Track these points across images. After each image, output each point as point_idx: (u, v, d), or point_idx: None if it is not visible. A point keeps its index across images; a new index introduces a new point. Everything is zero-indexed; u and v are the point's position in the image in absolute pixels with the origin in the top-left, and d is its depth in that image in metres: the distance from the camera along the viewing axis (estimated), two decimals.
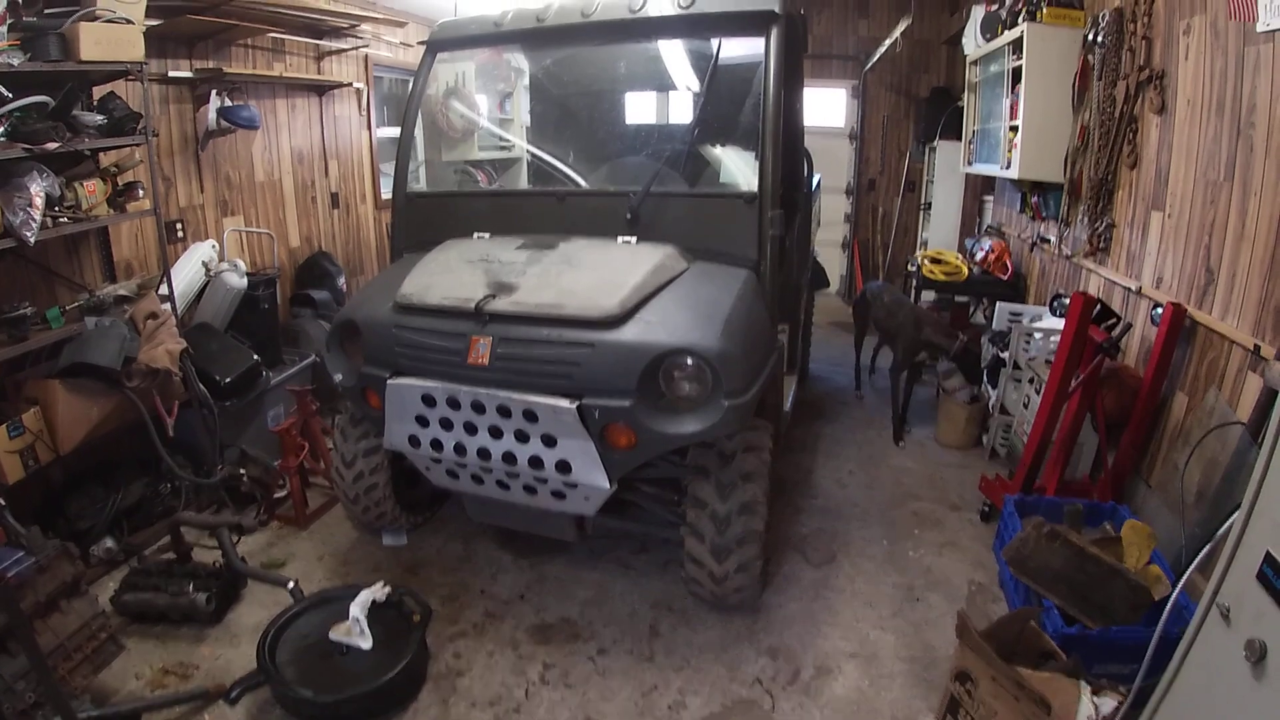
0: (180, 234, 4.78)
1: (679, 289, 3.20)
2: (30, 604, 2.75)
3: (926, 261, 6.47)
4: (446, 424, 3.23)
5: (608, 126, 4.81)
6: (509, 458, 3.15)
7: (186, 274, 4.61)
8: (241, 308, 4.87)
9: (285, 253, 5.70)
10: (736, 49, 3.77)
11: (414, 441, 3.35)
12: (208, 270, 4.75)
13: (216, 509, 4.42)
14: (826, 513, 4.54)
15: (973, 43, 6.62)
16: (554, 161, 4.28)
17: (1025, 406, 4.66)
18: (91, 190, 3.84)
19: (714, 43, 3.77)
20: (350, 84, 6.09)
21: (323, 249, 6.07)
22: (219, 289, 4.72)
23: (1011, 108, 5.61)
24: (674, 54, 4.28)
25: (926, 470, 5.09)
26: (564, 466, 3.08)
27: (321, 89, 5.87)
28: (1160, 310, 3.82)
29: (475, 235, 3.85)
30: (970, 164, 6.89)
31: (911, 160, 8.96)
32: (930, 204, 8.53)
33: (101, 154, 4.08)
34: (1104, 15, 4.66)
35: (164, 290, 4.28)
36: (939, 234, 8.28)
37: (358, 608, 3.21)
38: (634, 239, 3.51)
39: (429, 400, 3.19)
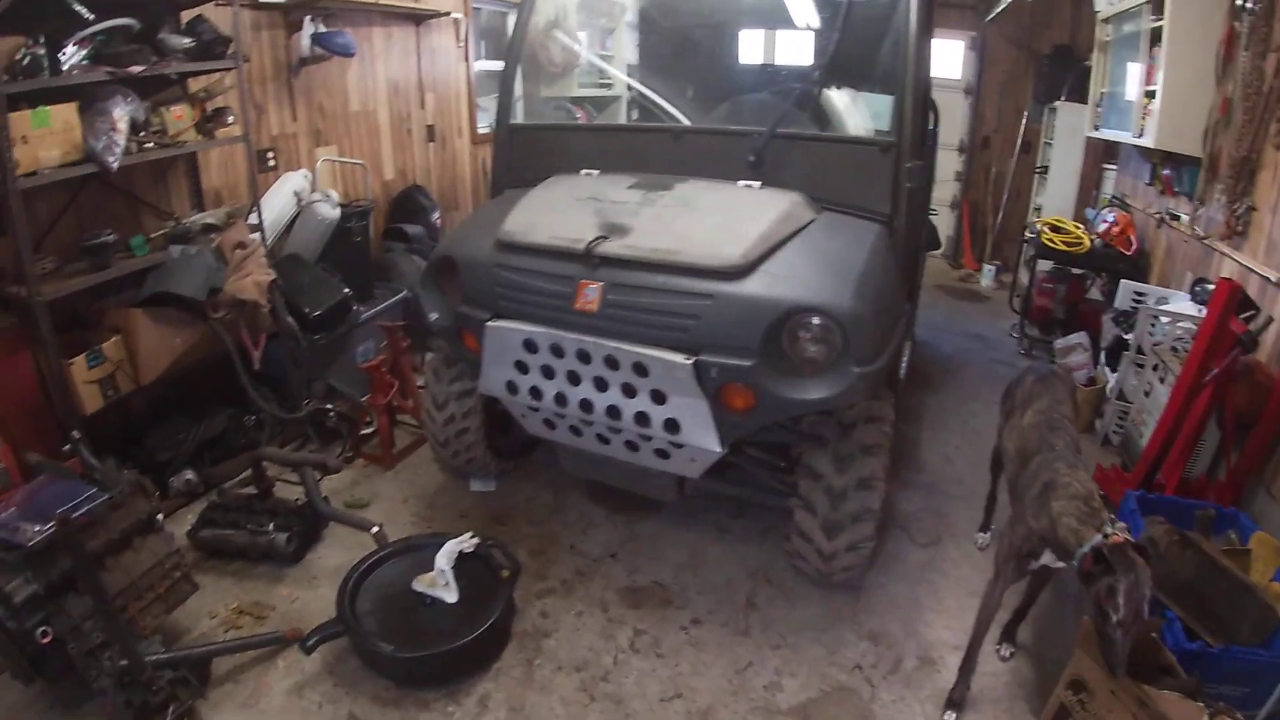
0: (271, 163, 4.49)
1: (807, 241, 2.82)
2: (101, 542, 2.54)
3: (1046, 229, 5.78)
4: (548, 371, 2.92)
5: (725, 63, 4.34)
6: (613, 412, 2.84)
7: (277, 204, 4.34)
8: (333, 240, 4.60)
9: (379, 185, 5.37)
10: None
11: (512, 388, 3.03)
12: (300, 200, 4.48)
13: (300, 444, 4.22)
14: (932, 490, 4.09)
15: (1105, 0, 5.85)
16: (660, 101, 3.81)
17: (1146, 395, 4.09)
18: (179, 116, 3.56)
19: None
20: (449, 14, 5.65)
21: (417, 183, 5.72)
22: (310, 220, 4.45)
23: (1148, 71, 4.98)
24: None
25: None
26: (672, 425, 2.76)
27: (419, 18, 5.45)
28: None
29: (583, 172, 3.47)
30: (1097, 128, 6.17)
31: (1029, 120, 8.06)
32: (1046, 168, 7.71)
33: (190, 79, 3.80)
34: None
35: (253, 220, 4.01)
36: (1054, 200, 7.46)
37: (444, 558, 2.96)
38: (757, 184, 3.12)
39: (530, 346, 2.89)
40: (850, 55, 3.40)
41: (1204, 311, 3.64)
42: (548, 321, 2.83)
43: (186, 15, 3.67)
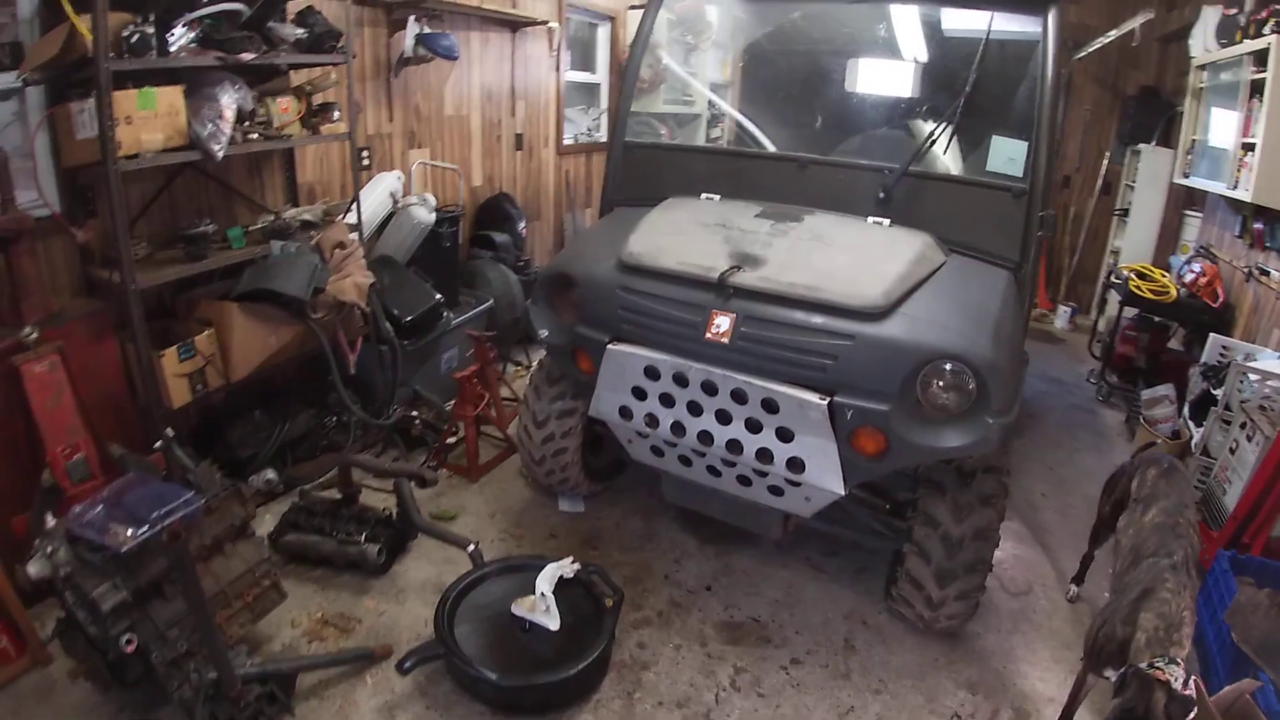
0: (366, 162, 4.38)
1: (940, 284, 2.74)
2: (195, 547, 2.39)
3: (1133, 276, 5.48)
4: (667, 400, 2.83)
5: (850, 95, 4.12)
6: (734, 446, 2.74)
7: (372, 204, 4.20)
8: (424, 244, 4.47)
9: (467, 191, 5.25)
10: (1002, 25, 3.22)
11: (625, 413, 2.94)
12: (395, 202, 4.37)
13: (381, 449, 4.05)
14: (1021, 538, 3.87)
15: (1201, 46, 5.66)
16: (747, 124, 3.74)
17: (1232, 452, 3.87)
18: (285, 108, 3.45)
19: (985, 17, 3.18)
20: (545, 22, 5.53)
21: (504, 190, 5.60)
22: (405, 222, 4.32)
23: (1245, 123, 4.82)
24: (934, 22, 3.77)
25: None
26: (796, 465, 2.67)
27: (515, 25, 5.33)
28: None
29: (703, 196, 3.36)
30: (1186, 175, 5.97)
31: (1111, 161, 7.74)
32: (1126, 210, 7.36)
33: (293, 71, 3.71)
34: None
35: (351, 219, 3.90)
36: (1133, 244, 7.13)
37: (545, 582, 2.78)
38: (886, 221, 3.04)
39: (652, 373, 2.80)
40: (987, 96, 3.25)
41: None
42: (672, 349, 2.75)
43: (293, 7, 3.56)
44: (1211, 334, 4.85)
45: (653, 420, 2.89)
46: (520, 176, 5.82)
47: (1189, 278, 5.45)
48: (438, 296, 4.22)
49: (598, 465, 3.72)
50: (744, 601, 3.21)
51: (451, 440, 4.07)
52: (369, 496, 3.48)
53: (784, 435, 2.64)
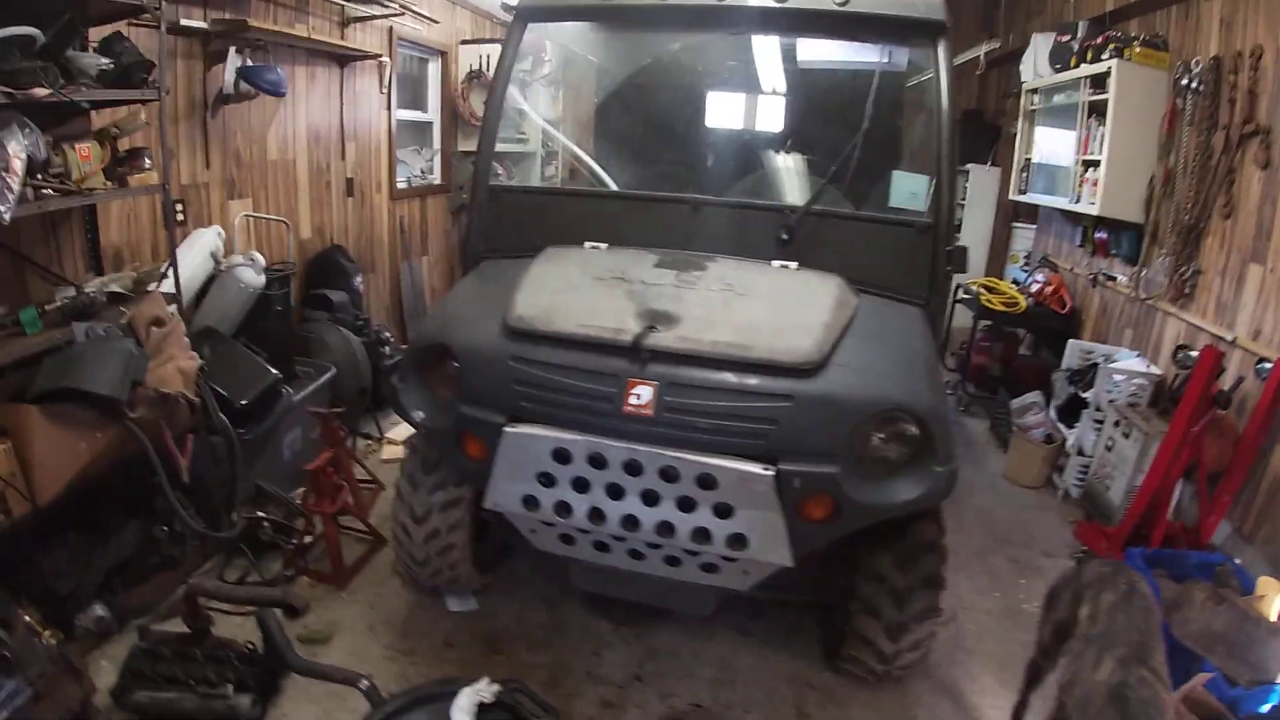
0: (181, 217, 3.67)
1: (863, 329, 2.58)
2: None
3: (983, 290, 5.80)
4: (581, 484, 2.44)
5: (725, 131, 3.97)
6: (664, 528, 2.41)
7: (191, 267, 3.52)
8: (251, 309, 3.81)
9: (296, 245, 4.59)
10: (876, 56, 3.25)
11: (530, 503, 2.51)
12: (216, 262, 3.69)
13: (226, 559, 3.36)
14: None
15: (1032, 71, 6.07)
16: (591, 164, 3.53)
17: (1109, 449, 4.18)
18: (85, 156, 2.78)
19: (875, 49, 3.20)
20: (379, 56, 5.00)
21: (336, 242, 4.97)
22: (230, 287, 3.65)
23: (1085, 141, 5.19)
24: (816, 53, 3.71)
25: (1008, 512, 4.47)
26: (738, 541, 2.38)
27: (344, 58, 4.78)
28: (1269, 365, 3.50)
29: (587, 245, 3.05)
30: (1023, 192, 6.40)
31: None
32: (959, 226, 7.90)
33: (94, 112, 3.02)
34: (1196, 61, 4.30)
35: (167, 287, 3.22)
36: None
37: (463, 714, 2.28)
38: (793, 264, 2.90)
39: (562, 456, 2.41)
40: (877, 129, 3.16)
41: (1177, 372, 4.05)
42: (584, 427, 2.38)
43: (95, 33, 2.90)
44: (1070, 340, 5.16)
45: (564, 509, 2.49)
46: (353, 226, 5.21)
47: (1035, 288, 5.77)
48: (274, 373, 3.57)
49: (485, 553, 3.24)
50: (680, 687, 2.92)
51: (308, 539, 3.45)
52: (222, 622, 2.81)
53: (723, 511, 2.36)
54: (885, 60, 3.25)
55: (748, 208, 3.15)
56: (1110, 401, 4.27)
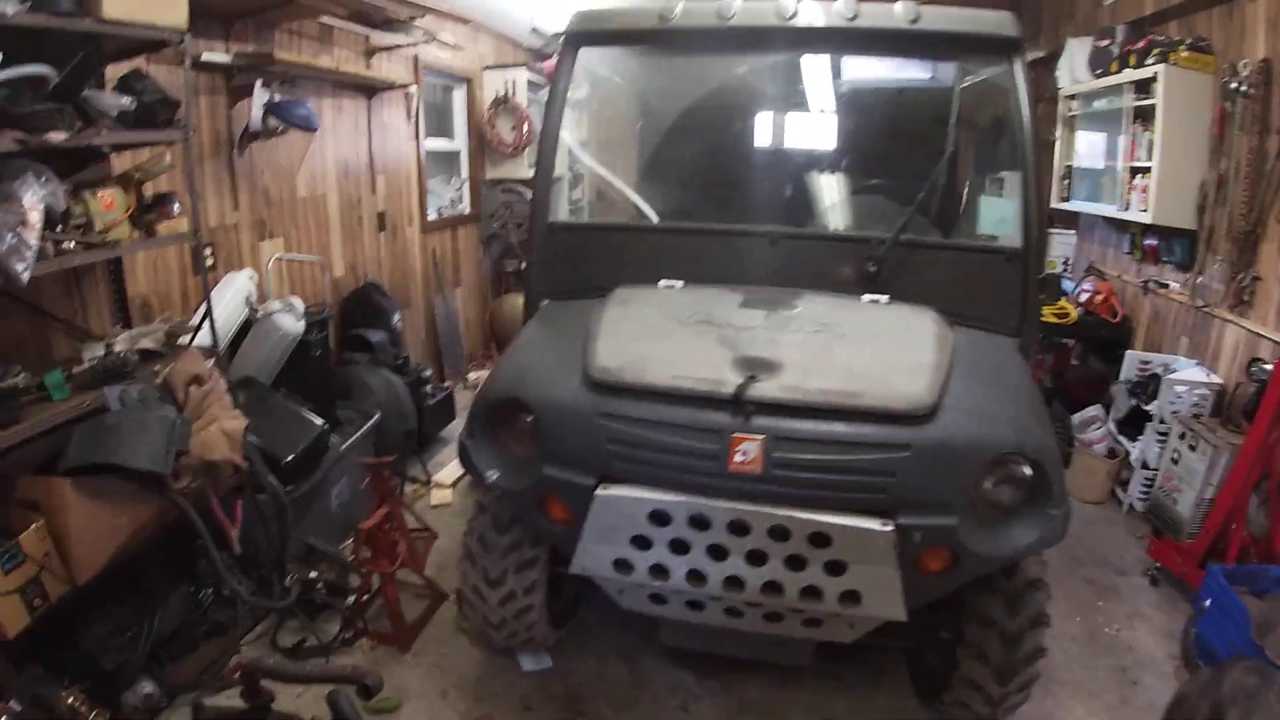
0: (210, 262, 3.45)
1: (966, 367, 2.41)
2: None
3: None
4: (680, 546, 2.29)
5: (792, 156, 3.74)
6: (771, 588, 2.26)
7: (226, 315, 3.29)
8: (290, 356, 3.59)
9: (331, 285, 4.38)
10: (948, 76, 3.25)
11: (623, 566, 2.34)
12: (251, 309, 3.47)
13: (278, 622, 3.09)
14: None
15: (1069, 76, 5.82)
16: (627, 191, 3.38)
17: (1175, 462, 4.01)
18: (109, 204, 2.56)
19: (947, 69, 3.18)
20: (406, 85, 4.80)
21: (371, 280, 4.75)
22: (268, 335, 3.42)
23: (1131, 147, 4.97)
24: (885, 73, 3.61)
25: (1074, 529, 4.12)
26: (851, 598, 2.24)
27: (371, 90, 4.58)
28: None
29: (661, 284, 2.85)
30: (1066, 199, 6.15)
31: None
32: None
33: (115, 156, 2.82)
34: (1244, 64, 4.09)
35: (203, 339, 3.00)
36: None
37: None
38: (884, 298, 2.74)
39: (661, 518, 2.25)
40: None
41: (1241, 382, 3.87)
42: (683, 486, 2.21)
43: (113, 71, 2.69)
44: (1128, 351, 4.95)
45: (660, 572, 2.32)
46: (386, 261, 4.99)
47: (1084, 296, 5.52)
48: (321, 424, 3.34)
49: (558, 607, 2.99)
50: None
51: (364, 598, 3.19)
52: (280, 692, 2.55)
53: (835, 569, 2.21)
54: (957, 79, 3.19)
55: (830, 239, 3.02)
56: (1173, 413, 4.11)
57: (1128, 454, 4.55)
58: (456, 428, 4.99)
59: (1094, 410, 5.01)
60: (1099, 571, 3.81)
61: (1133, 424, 4.59)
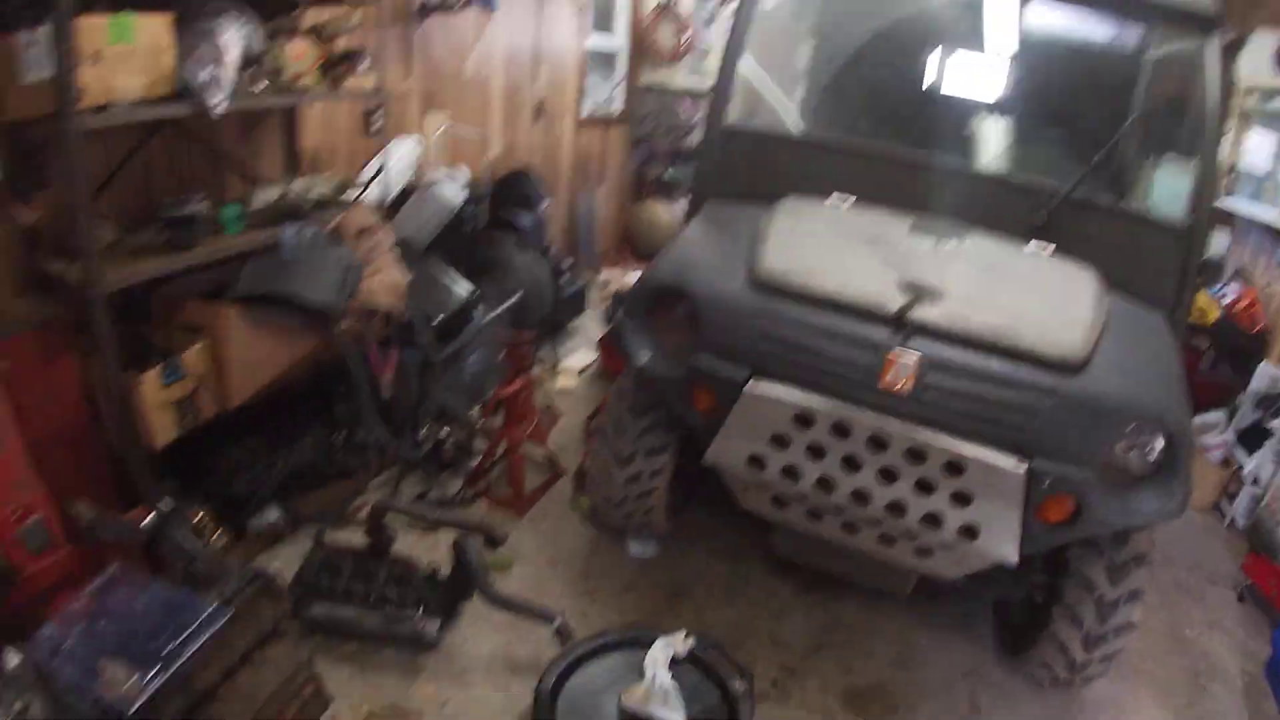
0: (377, 125, 3.57)
1: (1119, 332, 2.38)
2: (218, 669, 1.66)
3: None
4: (816, 451, 2.31)
5: (973, 99, 3.53)
6: (895, 508, 2.29)
7: (391, 176, 3.43)
8: (446, 227, 3.70)
9: (487, 163, 4.45)
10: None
11: (757, 462, 2.38)
12: (418, 176, 3.59)
13: (400, 474, 3.25)
14: None
15: (1250, 68, 5.33)
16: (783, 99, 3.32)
17: None
18: (299, 54, 2.66)
19: (1137, 35, 3.10)
20: None
21: (523, 164, 4.80)
22: (429, 203, 3.54)
23: None
24: (1071, 27, 3.36)
25: (1174, 529, 3.93)
26: (969, 531, 2.26)
27: None
28: None
29: (833, 197, 2.79)
30: (1228, 194, 5.57)
31: None
32: None
33: (305, 10, 2.91)
34: None
35: (372, 195, 3.12)
36: None
37: (658, 666, 2.11)
38: (1050, 248, 2.67)
39: (805, 420, 2.27)
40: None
41: None
42: (833, 393, 2.23)
43: None
44: (1263, 363, 4.63)
45: (792, 473, 2.35)
46: (539, 150, 5.04)
47: (1227, 299, 5.14)
48: (470, 290, 3.46)
49: (674, 498, 3.04)
50: (861, 665, 2.74)
51: (489, 463, 3.34)
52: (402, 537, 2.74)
53: (961, 499, 2.22)
54: (1145, 47, 3.15)
55: (1003, 182, 2.93)
56: None
57: (1240, 467, 4.31)
58: (586, 321, 5.09)
59: (1214, 416, 4.73)
60: (1189, 575, 3.70)
61: (1253, 438, 4.38)
